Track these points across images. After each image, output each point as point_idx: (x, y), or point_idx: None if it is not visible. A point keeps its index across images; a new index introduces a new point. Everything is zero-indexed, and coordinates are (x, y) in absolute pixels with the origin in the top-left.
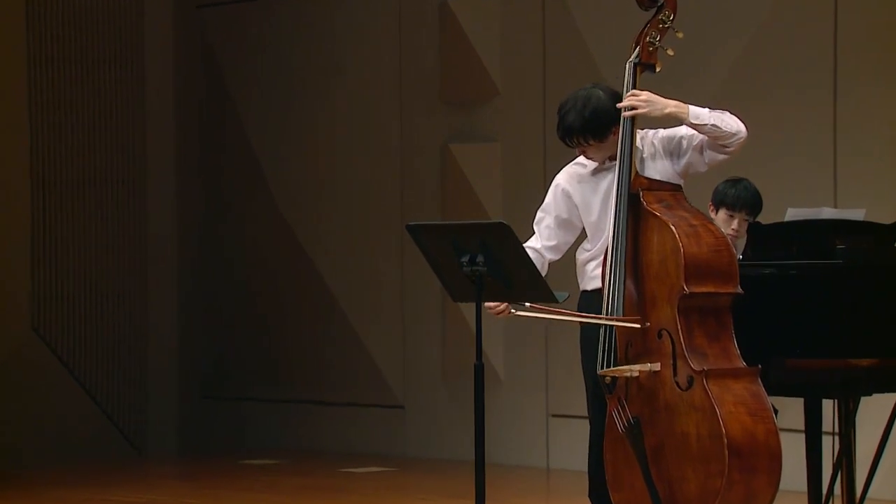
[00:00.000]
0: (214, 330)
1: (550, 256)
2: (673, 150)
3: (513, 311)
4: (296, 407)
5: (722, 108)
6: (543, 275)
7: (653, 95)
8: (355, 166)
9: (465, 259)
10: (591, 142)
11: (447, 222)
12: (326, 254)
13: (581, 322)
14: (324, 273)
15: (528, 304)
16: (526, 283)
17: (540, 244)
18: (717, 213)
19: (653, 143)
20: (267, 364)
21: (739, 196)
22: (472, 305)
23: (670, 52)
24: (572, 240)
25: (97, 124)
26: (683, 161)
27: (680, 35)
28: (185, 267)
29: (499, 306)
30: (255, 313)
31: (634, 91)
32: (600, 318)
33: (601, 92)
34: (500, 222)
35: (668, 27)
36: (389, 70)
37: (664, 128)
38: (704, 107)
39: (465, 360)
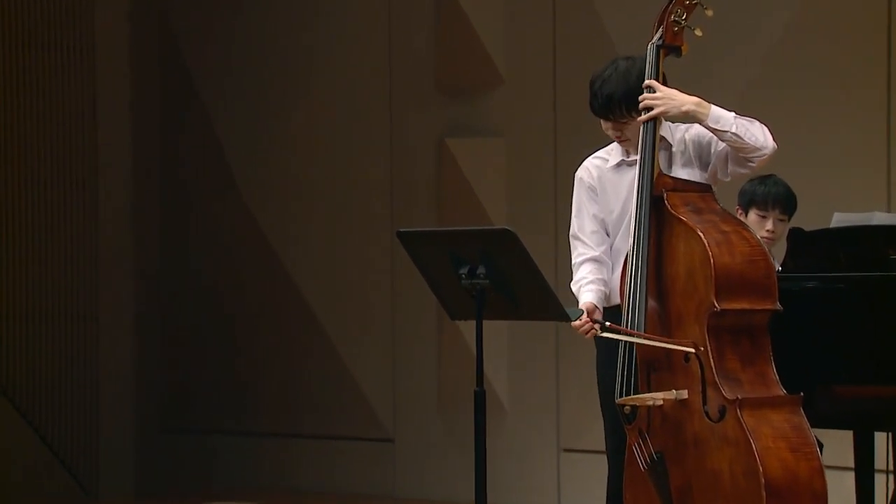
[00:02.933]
0: (176, 352)
1: (610, 262)
2: (702, 152)
3: (599, 333)
4: (270, 441)
5: (757, 99)
6: (610, 284)
7: (670, 91)
8: (338, 165)
9: (464, 271)
10: (634, 114)
11: (443, 229)
12: (305, 265)
13: (667, 348)
14: (302, 287)
15: (608, 323)
16: (534, 299)
17: (596, 252)
18: (746, 215)
19: (684, 138)
20: (237, 391)
21: (770, 192)
22: (472, 324)
23: (698, 33)
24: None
25: (40, 118)
26: (710, 165)
27: (709, 13)
28: (143, 280)
29: (584, 324)
30: (222, 333)
31: (651, 84)
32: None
33: (643, 63)
34: (505, 229)
35: (695, 3)
36: (377, 54)
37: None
38: (731, 110)
39: (463, 387)
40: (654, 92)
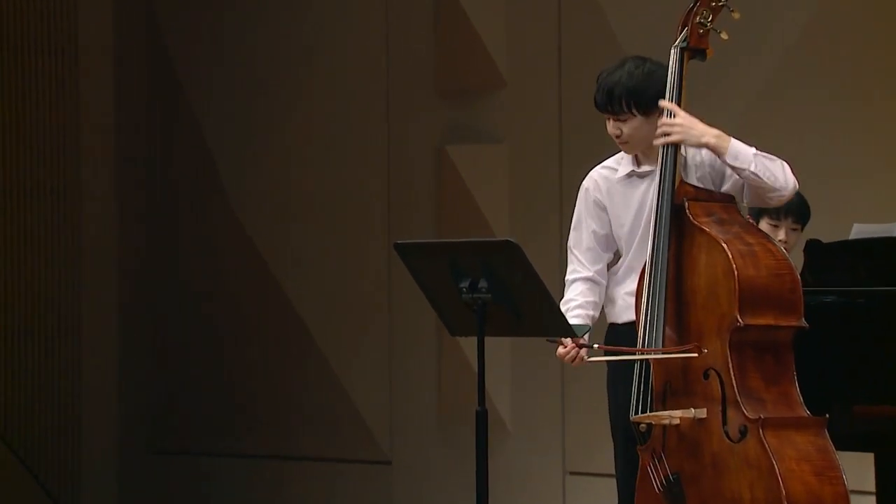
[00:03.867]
0: (163, 369)
1: (604, 282)
2: (718, 170)
3: (586, 357)
4: (262, 463)
5: (772, 104)
6: (601, 307)
7: (689, 119)
8: (332, 173)
9: (464, 285)
10: (635, 111)
11: (443, 241)
12: (298, 278)
13: (674, 357)
14: (295, 301)
15: (596, 345)
16: (538, 314)
17: (590, 271)
18: (757, 224)
19: (700, 152)
20: (226, 410)
21: None
22: (473, 340)
23: (724, 36)
24: (612, 256)
25: (19, 124)
26: (726, 186)
27: (736, 15)
28: (127, 294)
29: (569, 351)
30: (212, 349)
31: (673, 108)
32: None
33: (653, 65)
34: (507, 240)
35: (722, 5)
36: (374, 56)
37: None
38: (752, 144)
39: (464, 406)
40: (673, 116)
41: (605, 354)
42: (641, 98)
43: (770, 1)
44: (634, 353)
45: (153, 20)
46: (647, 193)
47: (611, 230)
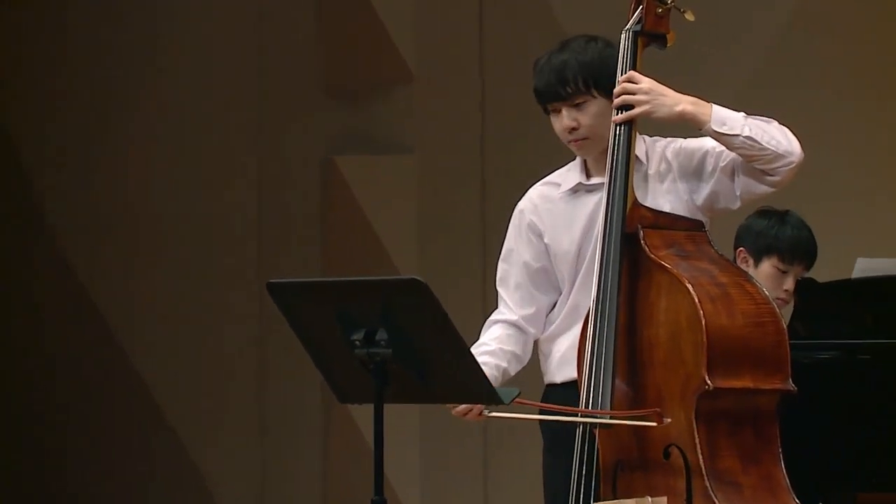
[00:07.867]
0: None
1: (535, 331)
2: (693, 171)
3: (486, 412)
4: None
5: (759, 103)
6: (524, 362)
7: (658, 86)
8: (187, 194)
9: (357, 337)
10: (595, 92)
11: (330, 279)
12: (143, 333)
13: (589, 422)
14: (139, 364)
15: (516, 400)
16: (453, 374)
17: (515, 314)
18: (756, 265)
19: (665, 156)
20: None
21: (801, 239)
22: (370, 409)
23: (689, 17)
24: (556, 299)
25: None
26: (707, 189)
27: None
28: None
29: (468, 408)
30: (34, 431)
31: (632, 75)
32: (622, 415)
33: (605, 44)
34: (413, 279)
35: None
36: (243, 48)
37: (684, 136)
38: (739, 111)
39: (358, 495)
40: (636, 86)
41: (539, 412)
42: (601, 75)
43: None
44: (569, 414)
45: None
46: (596, 212)
47: (549, 263)
